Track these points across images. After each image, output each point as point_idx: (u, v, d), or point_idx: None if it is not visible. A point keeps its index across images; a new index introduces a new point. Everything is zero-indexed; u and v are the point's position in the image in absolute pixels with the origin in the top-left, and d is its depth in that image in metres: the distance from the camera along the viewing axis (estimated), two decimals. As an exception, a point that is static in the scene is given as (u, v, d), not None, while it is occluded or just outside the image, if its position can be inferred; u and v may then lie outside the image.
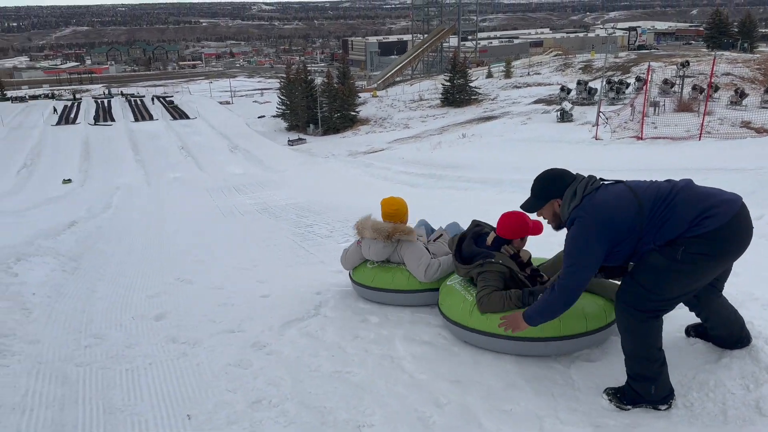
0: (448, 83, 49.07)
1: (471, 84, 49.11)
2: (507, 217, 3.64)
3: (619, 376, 2.99)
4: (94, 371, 3.48)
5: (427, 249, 4.36)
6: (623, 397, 2.88)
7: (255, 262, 6.72)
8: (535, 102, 38.36)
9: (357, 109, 50.23)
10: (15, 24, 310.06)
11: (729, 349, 3.11)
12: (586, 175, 2.97)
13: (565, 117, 28.02)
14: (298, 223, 9.83)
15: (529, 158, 17.07)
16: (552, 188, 2.93)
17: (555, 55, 74.09)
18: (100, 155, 36.78)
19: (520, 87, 49.32)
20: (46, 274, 5.55)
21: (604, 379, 3.12)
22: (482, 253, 3.59)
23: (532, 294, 3.27)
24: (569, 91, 34.18)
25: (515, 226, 3.61)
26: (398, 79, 75.70)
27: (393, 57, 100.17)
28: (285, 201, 13.67)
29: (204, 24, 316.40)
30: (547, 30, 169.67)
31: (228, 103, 66.50)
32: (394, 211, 4.52)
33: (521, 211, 3.13)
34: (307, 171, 22.64)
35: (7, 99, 71.78)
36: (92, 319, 4.44)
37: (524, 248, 3.68)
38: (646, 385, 2.81)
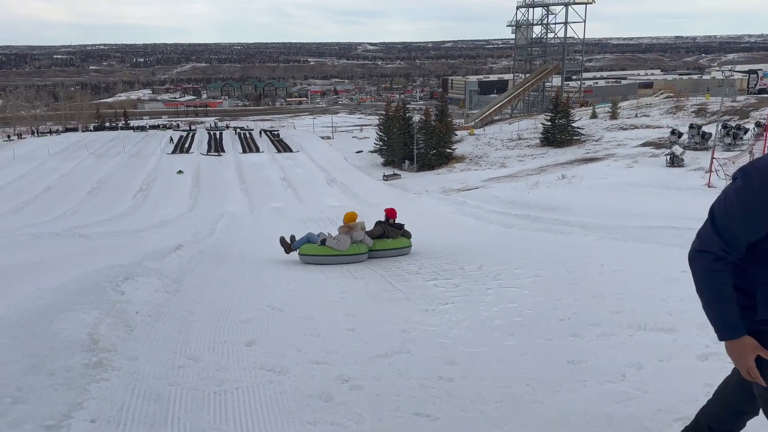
0: (549, 123, 48.25)
1: (573, 124, 47.99)
2: (390, 210, 10.85)
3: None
4: (185, 392, 3.62)
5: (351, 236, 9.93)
6: None
7: (343, 294, 6.81)
8: (643, 145, 36.82)
9: (453, 147, 50.41)
10: (142, 59, 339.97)
11: None
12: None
13: (675, 162, 26.67)
14: (388, 258, 9.89)
15: (634, 204, 16.32)
16: None
17: (666, 97, 71.05)
18: (209, 183, 39.14)
19: (626, 129, 47.61)
20: (150, 294, 5.88)
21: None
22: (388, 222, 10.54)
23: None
24: (680, 134, 32.58)
25: (392, 213, 10.76)
26: (497, 117, 75.40)
27: (492, 96, 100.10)
28: None
29: (312, 63, 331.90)
30: (657, 71, 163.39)
31: (329, 138, 68.96)
32: (353, 217, 10.26)
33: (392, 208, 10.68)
34: (400, 206, 22.53)
35: (130, 128, 78.34)
36: (188, 340, 4.64)
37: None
38: None
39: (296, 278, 8.15)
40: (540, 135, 49.53)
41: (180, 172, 47.62)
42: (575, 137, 47.38)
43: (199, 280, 7.32)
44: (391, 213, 10.75)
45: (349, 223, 10.00)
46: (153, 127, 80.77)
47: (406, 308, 5.96)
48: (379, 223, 10.53)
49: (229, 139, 64.18)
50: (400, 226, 10.56)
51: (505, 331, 4.98)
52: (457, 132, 55.41)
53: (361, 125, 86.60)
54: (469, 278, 7.34)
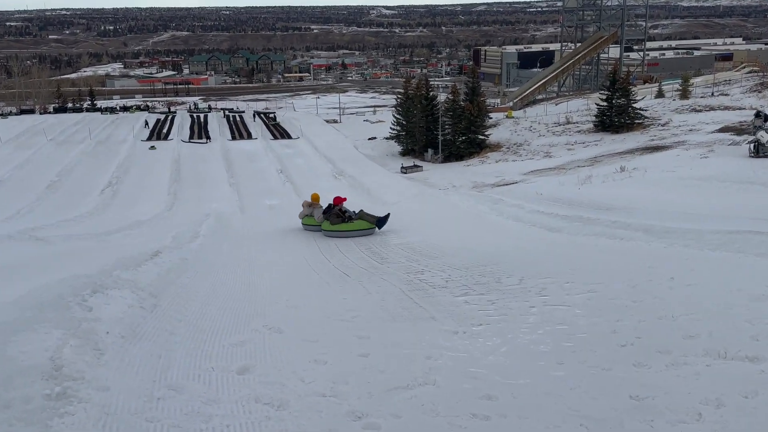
0: (605, 103, 47.94)
1: (635, 105, 47.67)
2: (337, 198, 16.32)
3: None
4: (165, 429, 3.65)
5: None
6: None
7: (354, 312, 6.84)
8: (720, 130, 36.45)
9: (487, 132, 50.25)
10: (111, 27, 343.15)
11: None
12: None
13: (760, 151, 26.35)
14: (408, 268, 9.91)
15: (710, 203, 16.16)
16: None
17: (749, 72, 70.31)
18: (192, 176, 39.34)
19: (700, 110, 47.16)
20: (122, 311, 5.94)
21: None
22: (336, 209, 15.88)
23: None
24: (767, 118, 32.17)
25: (337, 200, 16.13)
26: (540, 96, 75.12)
27: (535, 70, 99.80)
28: (394, 239, 13.86)
29: (315, 31, 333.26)
30: (738, 40, 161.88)
31: (335, 121, 69.10)
32: (316, 197, 16.83)
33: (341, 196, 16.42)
34: (422, 205, 22.78)
35: (97, 110, 79.06)
36: (169, 367, 4.68)
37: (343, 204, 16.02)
38: None
39: (297, 292, 8.20)
40: (593, 118, 49.20)
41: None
42: (637, 121, 47.01)
43: (181, 294, 7.39)
44: (337, 200, 16.31)
45: (313, 201, 16.82)
46: (124, 108, 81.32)
47: (431, 330, 5.98)
48: (324, 212, 16.18)
49: (216, 124, 64.47)
50: (345, 212, 15.87)
51: (553, 358, 4.97)
52: (491, 114, 55.15)
53: (375, 106, 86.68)
54: (508, 293, 7.33)
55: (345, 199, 16.59)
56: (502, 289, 7.58)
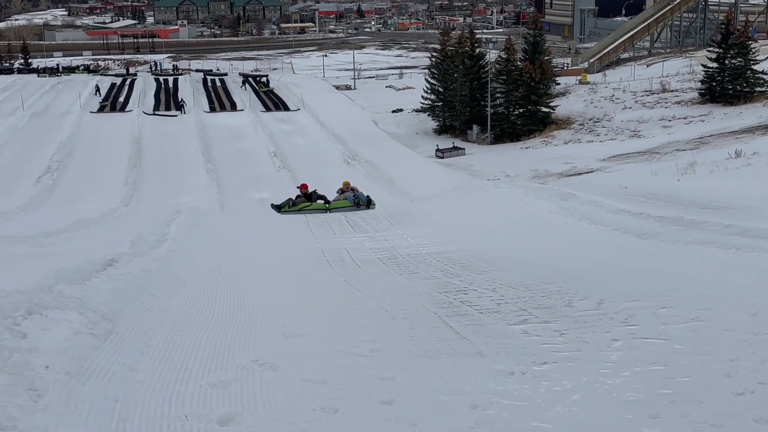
0: (714, 65, 47.47)
1: (755, 67, 47.15)
2: (303, 185, 26.54)
3: None
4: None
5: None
6: None
7: (374, 345, 6.84)
8: None
9: (552, 103, 50.06)
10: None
11: None
12: None
13: None
14: (445, 285, 9.91)
15: None
16: None
17: None
18: (157, 161, 39.45)
19: None
20: (67, 338, 5.91)
21: None
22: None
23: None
24: None
25: (304, 187, 26.27)
26: (626, 55, 74.64)
27: (619, 19, 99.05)
28: (426, 248, 13.85)
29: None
30: None
31: (348, 88, 69.21)
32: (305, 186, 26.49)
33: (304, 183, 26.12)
34: (464, 201, 22.47)
35: (33, 71, 79.45)
36: (128, 415, 4.65)
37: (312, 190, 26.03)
38: None
39: (298, 316, 8.20)
40: (699, 85, 48.78)
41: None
42: (759, 89, 46.53)
43: (143, 317, 7.39)
44: (303, 186, 25.50)
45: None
46: (69, 69, 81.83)
47: (478, 369, 5.96)
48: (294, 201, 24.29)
49: (189, 90, 64.51)
50: (312, 194, 24.93)
51: (644, 410, 4.92)
52: (558, 79, 54.97)
53: (401, 68, 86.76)
54: (582, 322, 7.31)
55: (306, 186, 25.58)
56: (573, 316, 7.56)
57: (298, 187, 25.68)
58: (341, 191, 25.33)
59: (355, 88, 69.65)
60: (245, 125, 49.63)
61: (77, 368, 5.36)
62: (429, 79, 54.16)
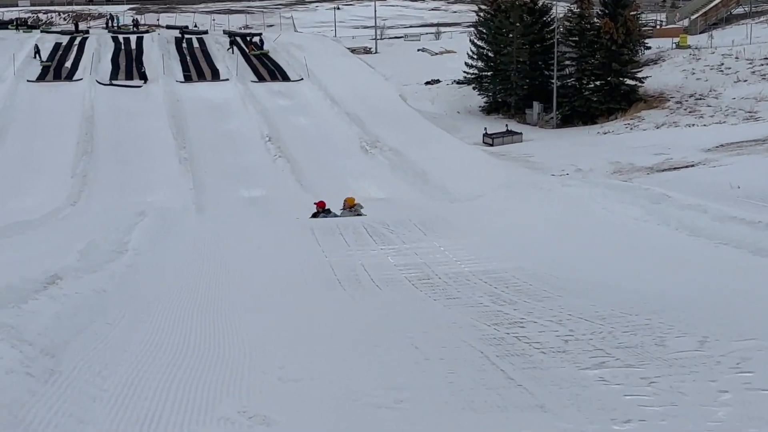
0: None
1: None
2: (320, 202, 26.66)
3: None
4: None
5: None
6: None
7: (400, 394, 6.78)
8: None
9: (639, 74, 49.78)
10: None
11: None
12: None
13: None
14: (495, 315, 9.90)
15: None
16: None
17: None
18: (115, 146, 39.49)
19: None
20: (-6, 379, 5.91)
21: None
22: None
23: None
24: None
25: (321, 205, 26.44)
26: (739, 10, 74.26)
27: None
28: (469, 265, 13.90)
29: None
30: None
31: (368, 51, 69.08)
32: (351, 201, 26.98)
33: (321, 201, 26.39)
34: (521, 203, 22.64)
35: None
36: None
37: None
38: None
39: (299, 352, 8.19)
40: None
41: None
42: None
43: (96, 352, 7.37)
44: (320, 204, 25.56)
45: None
46: (1, 24, 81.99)
47: (539, 427, 5.93)
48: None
49: (158, 53, 64.35)
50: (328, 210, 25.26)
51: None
52: (649, 42, 54.68)
53: (439, 25, 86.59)
54: (679, 366, 7.22)
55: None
56: (667, 359, 7.45)
57: (315, 204, 25.51)
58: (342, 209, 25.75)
59: (376, 52, 69.54)
60: (231, 100, 49.59)
61: (8, 420, 5.33)
62: (475, 41, 54.01)
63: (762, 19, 69.23)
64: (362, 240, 17.98)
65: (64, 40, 70.15)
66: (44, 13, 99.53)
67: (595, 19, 49.71)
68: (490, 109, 51.46)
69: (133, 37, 71.56)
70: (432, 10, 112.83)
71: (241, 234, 19.46)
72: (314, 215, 24.68)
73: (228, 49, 67.10)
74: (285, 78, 56.52)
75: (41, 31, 76.53)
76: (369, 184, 32.13)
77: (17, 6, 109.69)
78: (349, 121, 44.13)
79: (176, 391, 6.53)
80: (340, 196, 27.17)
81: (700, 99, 47.11)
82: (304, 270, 14.41)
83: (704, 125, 41.95)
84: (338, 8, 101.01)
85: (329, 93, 50.59)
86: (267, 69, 59.34)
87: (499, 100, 51.41)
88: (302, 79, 55.10)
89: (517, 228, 18.35)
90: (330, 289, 12.65)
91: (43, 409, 5.71)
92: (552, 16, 52.34)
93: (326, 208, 25.13)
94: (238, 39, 70.88)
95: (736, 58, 52.86)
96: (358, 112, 45.50)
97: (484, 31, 52.99)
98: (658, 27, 65.53)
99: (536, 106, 49.40)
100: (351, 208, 25.35)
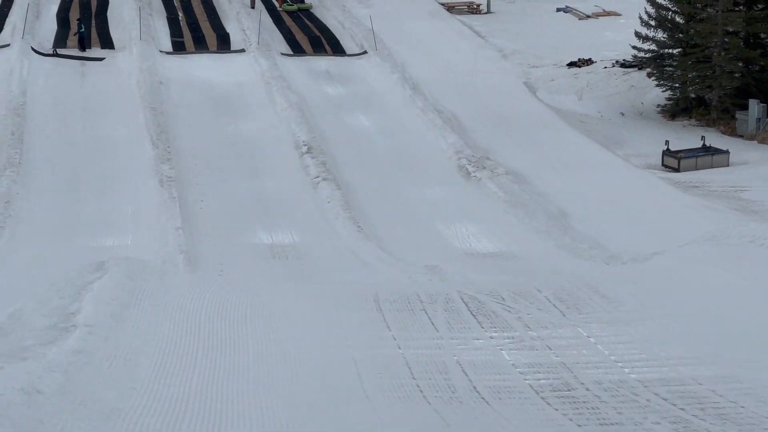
0: None
1: None
2: None
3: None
4: None
5: None
6: None
7: None
8: None
9: None
10: None
11: None
12: None
13: None
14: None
15: None
16: None
17: None
18: (59, 155, 33.64)
19: None
20: None
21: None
22: None
23: None
24: None
25: None
26: None
27: None
28: (640, 369, 12.41)
29: None
30: None
31: (476, 9, 59.88)
32: None
33: None
34: (729, 268, 19.32)
35: None
36: None
37: None
38: None
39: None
40: None
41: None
42: None
43: None
44: None
45: None
46: None
47: None
48: None
49: (133, 6, 52.96)
50: None
51: None
52: None
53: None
54: None
55: None
56: None
57: None
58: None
59: (489, 12, 61.30)
60: (247, 84, 43.03)
61: None
62: (651, 14, 45.58)
63: None
64: (459, 321, 15.67)
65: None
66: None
67: None
68: (675, 111, 44.19)
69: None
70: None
71: (259, 308, 16.30)
72: None
73: (252, 6, 56.77)
74: (337, 50, 49.45)
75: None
76: (472, 230, 26.64)
77: None
78: (440, 123, 37.94)
79: None
80: (423, 249, 24.14)
81: None
82: (363, 368, 12.70)
83: None
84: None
85: (409, 77, 44.36)
86: (308, 35, 51.53)
87: (692, 95, 44.03)
88: (365, 52, 48.54)
89: (721, 311, 16.03)
90: (405, 401, 11.15)
91: None
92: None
93: None
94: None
95: None
96: (456, 110, 40.01)
97: (670, -1, 45.53)
98: None
99: (755, 107, 41.65)
100: None
